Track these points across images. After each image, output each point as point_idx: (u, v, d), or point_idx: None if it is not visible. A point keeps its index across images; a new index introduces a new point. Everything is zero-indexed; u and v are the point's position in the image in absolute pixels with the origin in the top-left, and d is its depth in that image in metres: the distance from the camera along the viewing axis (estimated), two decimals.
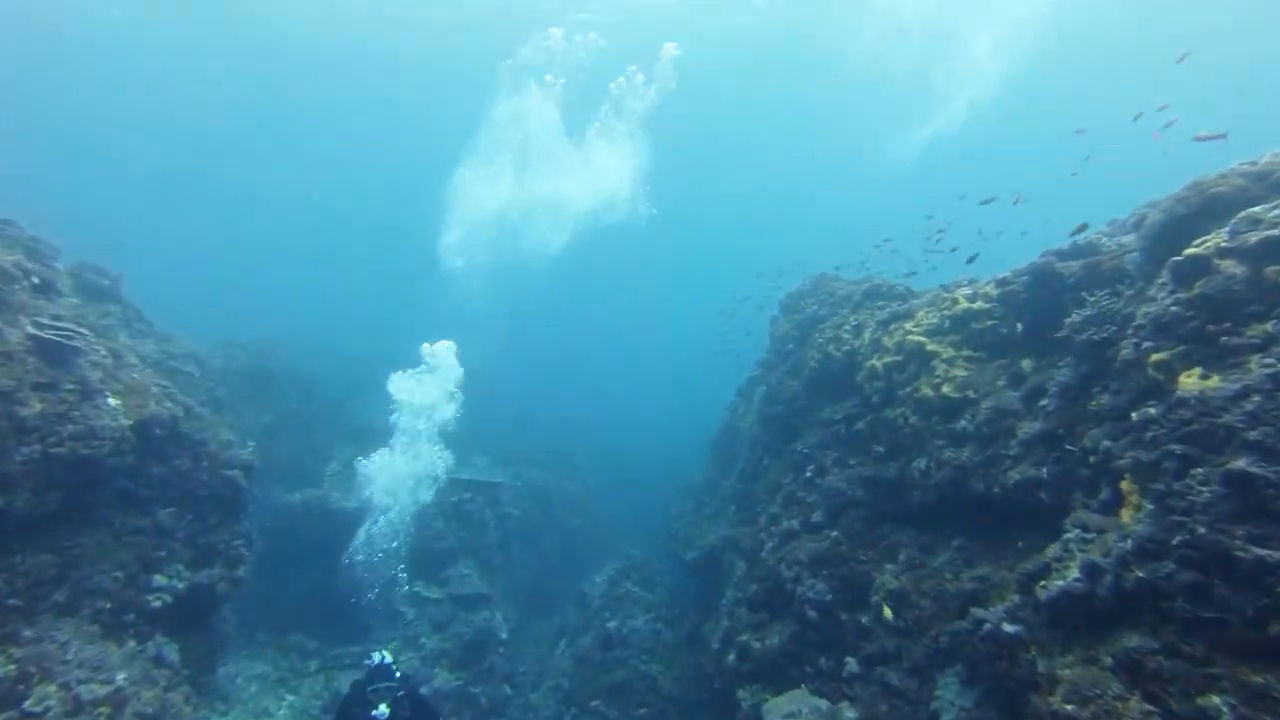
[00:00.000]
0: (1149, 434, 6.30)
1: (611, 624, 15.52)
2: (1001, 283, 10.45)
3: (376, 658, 8.53)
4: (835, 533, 11.38)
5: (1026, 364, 9.58)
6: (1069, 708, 6.05)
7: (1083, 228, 10.52)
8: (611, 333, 74.82)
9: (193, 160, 52.17)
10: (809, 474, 12.84)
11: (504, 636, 16.74)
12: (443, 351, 18.17)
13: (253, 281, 68.69)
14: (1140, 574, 5.76)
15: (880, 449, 11.57)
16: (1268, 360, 5.56)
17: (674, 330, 72.37)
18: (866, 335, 12.79)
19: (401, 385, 17.74)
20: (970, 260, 13.89)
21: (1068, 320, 8.29)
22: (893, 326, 12.19)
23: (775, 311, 18.27)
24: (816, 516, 11.87)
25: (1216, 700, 4.94)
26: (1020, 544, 8.53)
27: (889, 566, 10.27)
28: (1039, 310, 9.39)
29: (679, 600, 16.33)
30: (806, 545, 11.48)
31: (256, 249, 71.41)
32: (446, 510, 18.45)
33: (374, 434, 20.88)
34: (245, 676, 14.59)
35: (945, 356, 10.75)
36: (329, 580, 16.98)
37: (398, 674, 8.40)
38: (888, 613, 9.57)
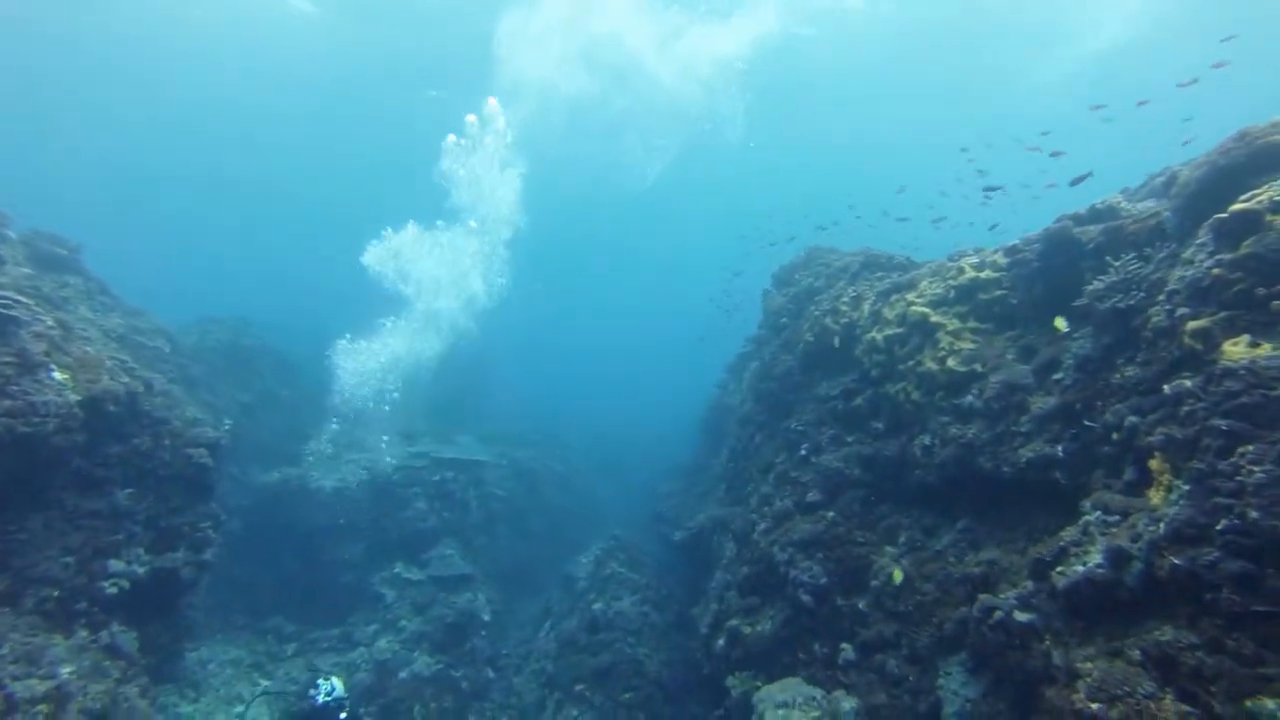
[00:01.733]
0: (1185, 408, 5.74)
1: (597, 605, 15.00)
2: (1011, 251, 9.85)
3: (324, 687, 7.95)
4: (831, 513, 10.83)
5: (1037, 337, 9.02)
6: (1094, 706, 5.51)
7: (1085, 176, 9.97)
8: (603, 311, 74.33)
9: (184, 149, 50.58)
10: (804, 452, 12.27)
11: (486, 619, 16.21)
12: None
13: (239, 264, 67.54)
14: (1177, 561, 5.21)
15: (880, 426, 11.04)
16: None
17: (667, 308, 71.99)
18: (866, 307, 12.18)
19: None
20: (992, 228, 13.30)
21: (1088, 288, 7.70)
22: (894, 298, 11.59)
23: (768, 285, 17.63)
24: (812, 496, 11.31)
25: (1270, 704, 4.41)
26: (1032, 527, 8.00)
27: (889, 549, 9.75)
28: (1054, 279, 8.80)
29: (667, 582, 15.85)
30: (801, 526, 10.92)
31: (241, 231, 70.09)
32: (429, 490, 17.89)
33: (362, 416, 20.38)
34: (218, 662, 13.98)
35: (950, 328, 10.17)
36: (308, 561, 16.42)
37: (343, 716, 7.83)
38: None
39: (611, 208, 56.04)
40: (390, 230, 21.46)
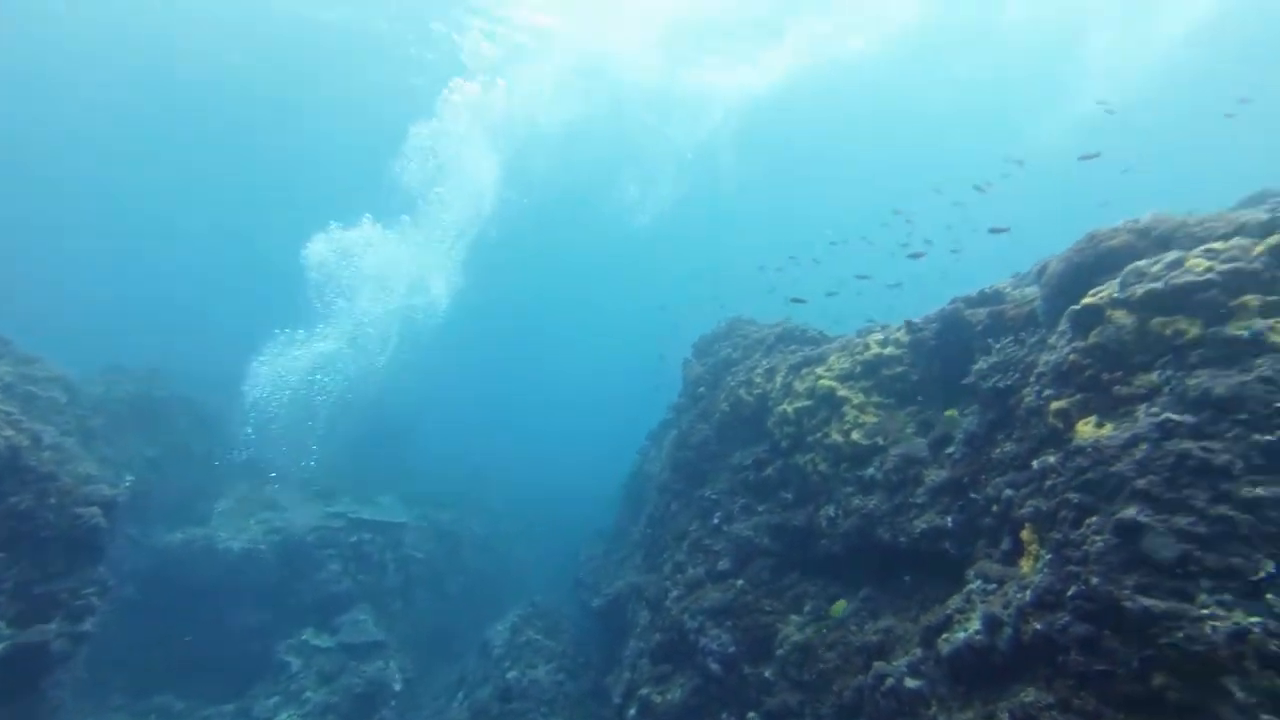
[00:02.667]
0: (1048, 482, 6.28)
1: (512, 674, 14.76)
2: (913, 329, 10.56)
3: None
4: (741, 581, 11.09)
5: (935, 412, 9.64)
6: None
7: (1003, 229, 10.89)
8: (533, 372, 74.04)
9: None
10: (716, 520, 12.57)
11: (397, 688, 15.69)
12: None
13: (162, 310, 64.97)
14: (1037, 626, 5.64)
15: (789, 496, 11.43)
16: (1153, 410, 5.61)
17: (599, 369, 72.28)
18: (778, 379, 12.73)
19: None
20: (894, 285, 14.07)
21: (974, 367, 8.34)
22: (804, 371, 12.17)
23: (689, 354, 18.18)
24: (722, 564, 11.57)
25: None
26: (925, 595, 8.42)
27: (794, 618, 10.02)
28: (949, 357, 9.49)
29: (584, 649, 15.69)
30: (711, 594, 11.14)
31: (169, 275, 67.71)
32: (344, 551, 17.44)
33: (277, 473, 19.77)
34: None
35: (856, 402, 10.75)
36: (209, 628, 15.65)
37: None
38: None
39: (585, 249, 56.15)
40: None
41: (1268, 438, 4.95)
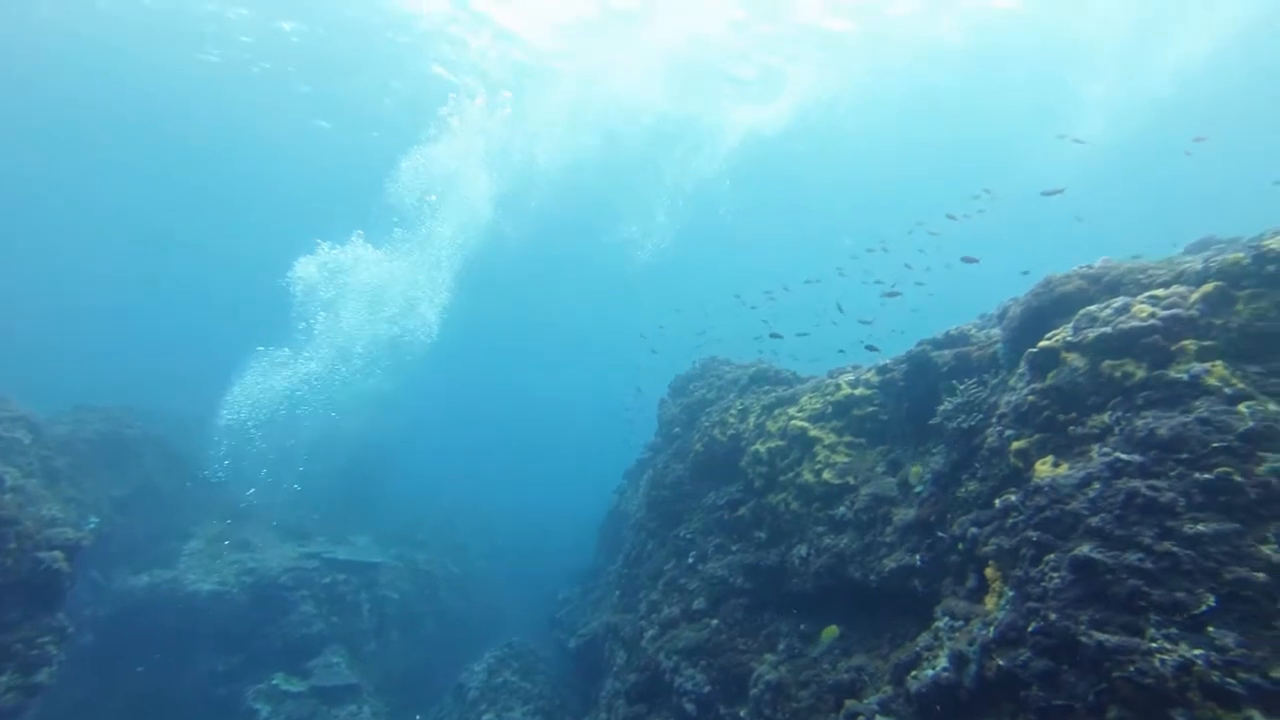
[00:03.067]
0: (1010, 521, 6.50)
1: (487, 717, 14.61)
2: (882, 370, 10.86)
3: None
4: (716, 621, 11.16)
5: (905, 452, 9.89)
6: None
7: (972, 260, 11.29)
8: (510, 413, 73.84)
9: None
10: (691, 560, 12.66)
11: None
12: None
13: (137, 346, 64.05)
14: (1001, 662, 5.81)
15: (762, 535, 11.57)
16: (1105, 450, 5.89)
17: (578, 410, 72.26)
18: (751, 420, 12.95)
19: None
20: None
21: (940, 408, 8.61)
22: (777, 412, 12.41)
23: (665, 394, 18.41)
24: (697, 604, 11.65)
25: None
26: (896, 633, 8.56)
27: (769, 656, 10.10)
28: (918, 397, 9.76)
29: (560, 690, 15.55)
30: (686, 634, 11.19)
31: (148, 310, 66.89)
32: (318, 593, 17.20)
33: (252, 513, 19.52)
34: None
35: (827, 442, 10.97)
36: (175, 674, 15.29)
37: None
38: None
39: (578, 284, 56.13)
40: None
41: (1206, 476, 5.22)
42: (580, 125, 30.72)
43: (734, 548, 11.90)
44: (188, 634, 15.80)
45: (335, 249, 22.50)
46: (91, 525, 14.28)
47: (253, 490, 19.75)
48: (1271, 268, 6.13)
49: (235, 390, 20.06)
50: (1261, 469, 5.18)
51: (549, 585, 21.44)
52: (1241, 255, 6.33)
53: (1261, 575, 4.79)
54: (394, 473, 29.57)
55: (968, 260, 12.60)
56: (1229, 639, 4.67)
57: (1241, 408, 5.48)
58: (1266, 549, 4.89)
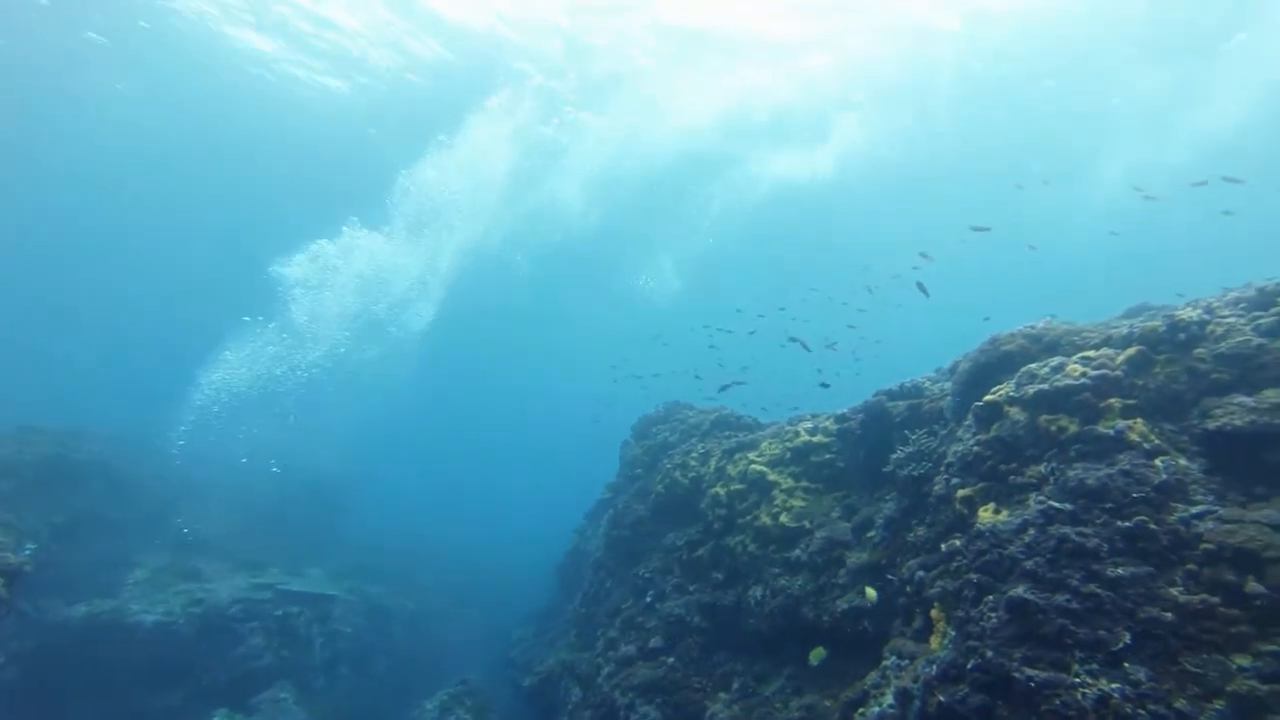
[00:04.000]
0: (954, 564, 7.01)
1: None
2: (840, 419, 11.43)
3: None
4: (671, 659, 11.44)
5: (860, 497, 10.41)
6: None
7: (924, 291, 12.12)
8: (466, 449, 73.23)
9: None
10: (649, 599, 12.95)
11: None
12: None
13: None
14: (942, 698, 6.23)
15: (720, 576, 11.93)
16: (1040, 498, 6.45)
17: (535, 449, 71.98)
18: (712, 463, 13.41)
19: None
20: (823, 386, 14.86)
21: (893, 457, 9.16)
22: (737, 456, 12.89)
23: (628, 436, 18.81)
24: (654, 642, 11.91)
25: None
26: (846, 672, 8.95)
27: (722, 695, 10.39)
28: (874, 446, 10.30)
29: None
30: (642, 671, 11.43)
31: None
32: (269, 625, 16.87)
33: (204, 543, 19.20)
34: None
35: (785, 487, 11.47)
36: (111, 712, 14.83)
37: None
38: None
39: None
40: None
41: (1127, 524, 5.80)
42: (626, 150, 31.23)
43: (692, 587, 12.22)
44: (125, 668, 15.39)
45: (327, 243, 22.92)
46: (27, 552, 13.99)
47: (187, 530, 19.47)
48: (1182, 336, 6.85)
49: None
50: (1172, 518, 5.78)
51: (503, 624, 21.39)
52: (1159, 323, 7.05)
53: (1169, 615, 5.34)
54: (351, 505, 29.29)
55: (921, 288, 13.38)
56: (1141, 673, 5.19)
57: (1158, 462, 6.10)
58: (1174, 590, 5.45)
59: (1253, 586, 5.24)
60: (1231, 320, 6.76)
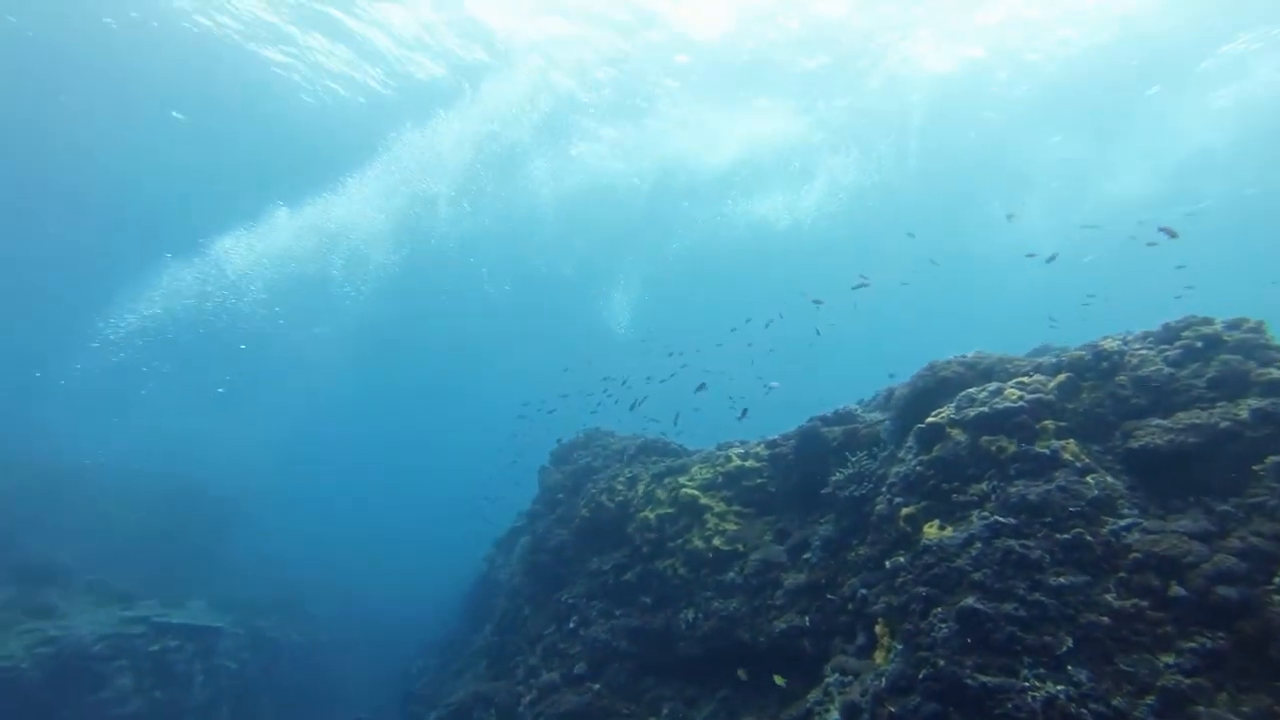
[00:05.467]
0: (899, 580, 7.42)
1: None
2: (771, 444, 11.86)
3: None
4: (598, 685, 11.45)
5: (792, 521, 10.81)
6: None
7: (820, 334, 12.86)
8: (360, 478, 70.38)
9: None
10: (573, 625, 12.90)
11: None
12: None
13: None
14: (893, 709, 6.58)
15: (648, 600, 12.04)
16: (983, 514, 6.98)
17: (432, 478, 69.97)
18: (641, 488, 13.56)
19: None
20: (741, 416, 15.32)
21: (832, 478, 9.61)
22: (668, 480, 13.11)
23: (545, 462, 18.75)
24: (579, 668, 11.89)
25: None
26: (784, 693, 9.22)
27: None
28: (806, 471, 10.75)
29: None
30: (567, 698, 11.37)
31: None
32: (141, 663, 15.59)
33: (61, 572, 17.64)
34: None
35: (718, 511, 11.75)
36: None
37: None
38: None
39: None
40: None
41: (1065, 536, 6.38)
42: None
43: (618, 612, 12.27)
44: None
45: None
46: None
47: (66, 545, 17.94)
48: (1105, 364, 7.63)
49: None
50: (1104, 530, 6.40)
51: (401, 657, 20.64)
52: (1084, 353, 7.82)
53: (1106, 619, 5.90)
54: (234, 531, 27.59)
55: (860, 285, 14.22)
56: (1082, 675, 5.71)
57: (1089, 479, 6.74)
58: (1109, 596, 6.03)
59: (1175, 590, 5.87)
60: (1144, 352, 7.59)
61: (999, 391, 7.63)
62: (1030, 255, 15.85)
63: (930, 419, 8.04)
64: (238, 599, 20.85)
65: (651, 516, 12.64)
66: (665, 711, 10.57)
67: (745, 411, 13.27)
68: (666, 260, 39.38)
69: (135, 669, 15.55)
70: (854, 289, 14.87)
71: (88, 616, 16.43)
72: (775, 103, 25.75)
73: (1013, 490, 6.88)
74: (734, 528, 11.42)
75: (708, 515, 11.80)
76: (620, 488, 14.03)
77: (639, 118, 27.21)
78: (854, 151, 28.58)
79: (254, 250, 26.66)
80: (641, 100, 26.05)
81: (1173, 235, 11.41)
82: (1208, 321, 7.53)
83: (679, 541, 11.88)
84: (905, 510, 7.86)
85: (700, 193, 32.96)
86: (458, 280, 42.71)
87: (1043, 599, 6.12)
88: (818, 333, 15.20)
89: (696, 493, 12.26)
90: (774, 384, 16.22)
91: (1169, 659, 5.63)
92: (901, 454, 8.49)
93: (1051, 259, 15.61)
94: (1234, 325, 7.32)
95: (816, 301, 16.21)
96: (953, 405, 7.95)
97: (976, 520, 6.95)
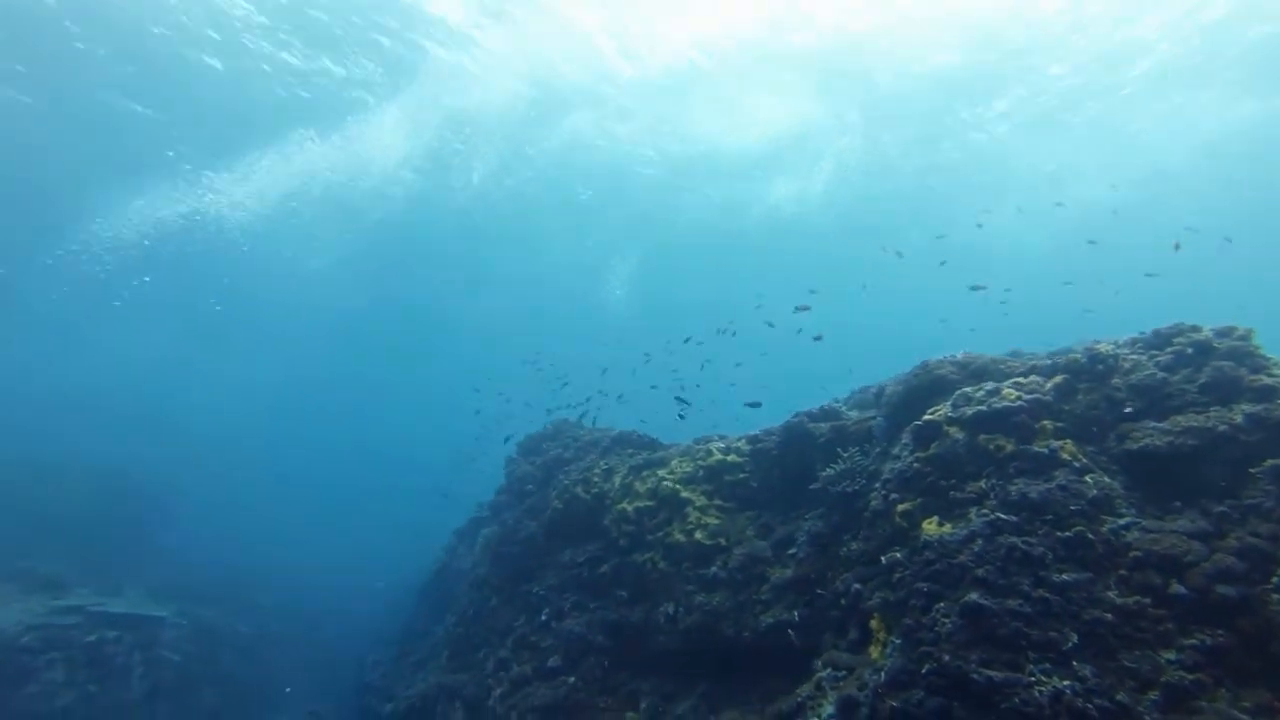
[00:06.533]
0: (897, 575, 7.53)
1: None
2: (753, 440, 11.93)
3: None
4: (573, 679, 11.39)
5: (774, 517, 10.90)
6: None
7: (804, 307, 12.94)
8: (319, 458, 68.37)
9: None
10: (545, 617, 12.81)
11: None
12: None
13: None
14: (894, 703, 6.67)
15: (624, 594, 12.02)
16: (983, 511, 7.12)
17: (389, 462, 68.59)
18: (617, 480, 13.51)
19: None
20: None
21: (822, 474, 9.71)
22: (646, 473, 13.08)
23: (513, 452, 18.59)
24: (552, 661, 11.82)
25: None
26: (768, 688, 9.29)
27: (630, 715, 10.47)
28: (789, 466, 10.85)
29: None
30: (541, 692, 11.30)
31: None
32: (75, 656, 14.89)
33: None
34: None
35: (699, 504, 11.78)
36: None
37: None
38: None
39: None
40: None
41: (1067, 534, 6.55)
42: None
43: (593, 605, 12.21)
44: None
45: None
46: None
47: None
48: (1100, 367, 7.85)
49: None
50: (1104, 529, 6.60)
51: (355, 647, 20.20)
52: (1079, 355, 8.04)
53: (1109, 615, 6.09)
54: (174, 509, 26.54)
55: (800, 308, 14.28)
56: (1087, 670, 5.87)
57: (1088, 478, 6.94)
58: (1111, 594, 6.22)
59: (1175, 588, 6.09)
60: (1135, 357, 7.85)
61: (996, 391, 7.79)
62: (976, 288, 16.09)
63: (927, 416, 8.18)
64: (179, 586, 20.10)
65: (630, 509, 12.61)
66: (643, 705, 10.56)
67: (759, 403, 13.20)
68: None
69: (68, 661, 14.85)
70: (795, 311, 14.79)
71: (15, 606, 15.69)
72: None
73: (1013, 488, 7.04)
74: (716, 522, 11.46)
75: (689, 509, 11.82)
76: (596, 479, 13.96)
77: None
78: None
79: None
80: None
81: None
82: (1196, 329, 7.82)
83: (659, 535, 11.87)
84: (901, 506, 7.98)
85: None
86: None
87: (1046, 595, 6.28)
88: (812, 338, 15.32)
89: (677, 486, 12.26)
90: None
91: (1170, 655, 5.83)
92: (896, 451, 8.61)
93: (979, 288, 16.18)
94: (1224, 333, 7.60)
95: (811, 293, 16.34)
96: (949, 404, 8.09)
97: (976, 517, 7.09)
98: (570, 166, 30.09)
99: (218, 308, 37.17)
